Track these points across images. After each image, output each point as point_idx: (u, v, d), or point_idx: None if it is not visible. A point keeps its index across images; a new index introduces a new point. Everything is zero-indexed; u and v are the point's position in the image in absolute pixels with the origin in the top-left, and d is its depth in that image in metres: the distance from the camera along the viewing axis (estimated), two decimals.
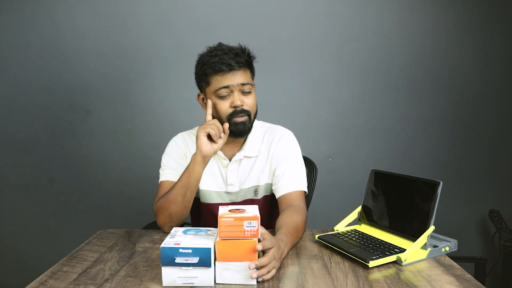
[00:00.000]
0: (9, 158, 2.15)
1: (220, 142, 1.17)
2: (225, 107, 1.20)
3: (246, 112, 1.20)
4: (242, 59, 1.18)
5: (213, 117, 1.22)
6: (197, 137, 1.15)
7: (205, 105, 1.26)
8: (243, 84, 1.19)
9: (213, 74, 1.19)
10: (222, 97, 1.19)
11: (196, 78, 1.26)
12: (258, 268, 0.85)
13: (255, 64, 1.29)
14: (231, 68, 1.17)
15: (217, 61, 1.17)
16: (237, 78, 1.18)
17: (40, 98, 2.11)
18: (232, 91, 1.19)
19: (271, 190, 1.31)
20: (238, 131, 1.21)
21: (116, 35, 2.07)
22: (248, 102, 1.21)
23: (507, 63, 2.11)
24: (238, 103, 1.18)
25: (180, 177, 1.17)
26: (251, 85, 1.22)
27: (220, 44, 1.22)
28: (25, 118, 2.12)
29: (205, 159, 1.15)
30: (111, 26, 2.06)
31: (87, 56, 2.08)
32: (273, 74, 2.07)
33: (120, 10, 2.05)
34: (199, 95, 1.29)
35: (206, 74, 1.20)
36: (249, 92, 1.21)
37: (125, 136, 2.13)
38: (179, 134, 1.36)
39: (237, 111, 1.19)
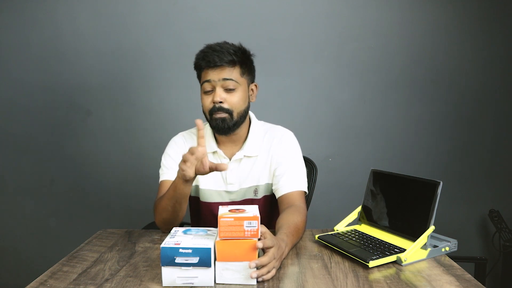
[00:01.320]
0: (9, 158, 2.15)
1: (205, 170, 1.03)
2: (207, 102, 1.22)
3: (226, 110, 1.20)
4: (228, 56, 1.18)
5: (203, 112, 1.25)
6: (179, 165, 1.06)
7: None
8: (224, 79, 1.19)
9: (201, 70, 1.23)
10: (206, 92, 1.22)
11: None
12: (258, 267, 0.86)
13: (256, 65, 1.29)
14: (213, 64, 1.18)
15: (201, 57, 1.21)
16: (220, 74, 1.19)
17: (40, 98, 2.11)
18: (214, 87, 1.20)
19: (271, 190, 1.31)
20: (217, 127, 1.22)
21: (116, 35, 2.07)
22: (230, 100, 1.21)
23: (507, 63, 2.11)
24: (216, 99, 1.19)
25: (169, 189, 1.13)
26: (236, 82, 1.21)
27: (217, 43, 1.23)
28: (25, 118, 2.12)
29: (189, 182, 1.08)
30: (111, 26, 2.06)
31: (87, 56, 2.08)
32: (273, 74, 2.07)
33: (120, 10, 2.05)
34: None
35: (198, 70, 1.25)
36: (233, 90, 1.21)
37: (125, 136, 2.13)
38: (179, 133, 1.37)
39: (215, 107, 1.20)
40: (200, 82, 1.26)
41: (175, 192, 1.10)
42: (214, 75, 1.19)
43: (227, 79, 1.19)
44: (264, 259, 0.86)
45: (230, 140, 1.29)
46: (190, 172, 1.04)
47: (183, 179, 1.06)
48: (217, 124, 1.21)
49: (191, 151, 1.02)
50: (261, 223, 0.87)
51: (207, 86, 1.21)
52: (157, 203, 1.20)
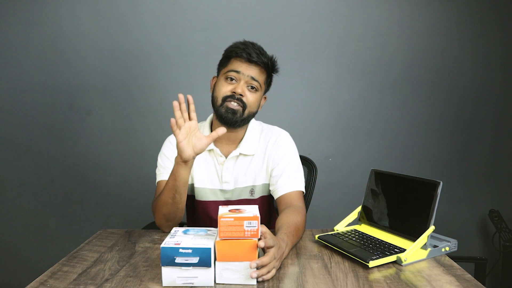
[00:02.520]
0: (9, 158, 2.15)
1: (203, 144, 1.09)
2: (226, 89, 1.23)
3: (242, 103, 1.22)
4: (265, 58, 1.23)
5: (212, 97, 1.26)
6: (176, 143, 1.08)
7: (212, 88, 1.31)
8: (252, 78, 1.22)
9: (233, 58, 1.24)
10: (229, 80, 1.23)
11: (220, 60, 1.30)
12: (258, 267, 0.85)
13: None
14: (249, 59, 1.21)
15: (242, 48, 1.22)
16: (251, 71, 1.22)
17: (40, 98, 2.11)
18: (240, 80, 1.22)
19: (269, 190, 1.31)
20: (225, 115, 1.22)
21: (116, 35, 2.07)
22: (249, 97, 1.23)
23: (507, 63, 2.11)
24: (238, 90, 1.21)
25: (168, 179, 1.14)
26: (260, 86, 1.24)
27: (255, 43, 1.26)
28: (25, 118, 2.12)
29: (188, 163, 1.09)
30: (111, 26, 2.06)
31: (87, 56, 2.08)
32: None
33: (120, 10, 2.05)
34: (213, 78, 1.32)
35: (229, 57, 1.25)
36: (255, 91, 1.24)
37: (125, 136, 2.13)
38: None
39: (234, 96, 1.21)
40: (222, 68, 1.27)
41: (175, 181, 1.11)
42: (245, 69, 1.22)
43: (255, 79, 1.22)
44: (264, 259, 0.86)
45: (227, 138, 1.29)
46: (188, 149, 1.06)
47: (182, 160, 1.07)
48: (227, 113, 1.22)
49: (179, 126, 1.06)
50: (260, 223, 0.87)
51: (233, 75, 1.22)
52: (155, 201, 1.20)
